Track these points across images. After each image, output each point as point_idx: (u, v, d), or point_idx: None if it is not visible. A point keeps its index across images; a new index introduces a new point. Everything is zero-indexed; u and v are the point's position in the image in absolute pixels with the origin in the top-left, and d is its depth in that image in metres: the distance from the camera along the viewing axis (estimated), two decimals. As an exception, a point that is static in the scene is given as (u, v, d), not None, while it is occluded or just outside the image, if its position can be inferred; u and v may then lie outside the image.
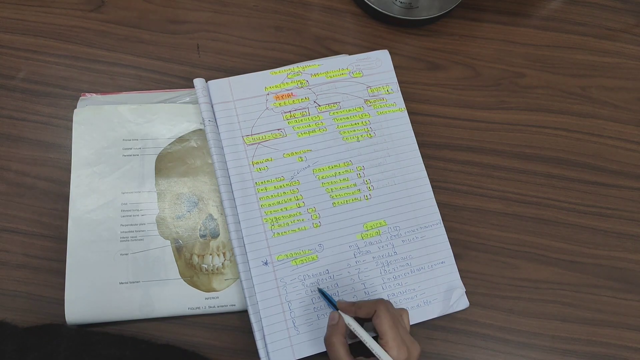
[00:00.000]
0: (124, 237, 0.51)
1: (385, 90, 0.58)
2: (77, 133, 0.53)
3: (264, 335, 0.48)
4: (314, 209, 0.53)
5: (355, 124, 0.56)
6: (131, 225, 0.51)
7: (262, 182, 0.52)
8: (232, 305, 0.50)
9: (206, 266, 0.51)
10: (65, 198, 0.52)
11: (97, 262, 0.50)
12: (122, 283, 0.50)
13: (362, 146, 0.56)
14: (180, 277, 0.50)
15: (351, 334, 0.44)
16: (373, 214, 0.53)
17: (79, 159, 0.53)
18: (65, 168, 0.53)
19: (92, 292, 0.49)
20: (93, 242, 0.50)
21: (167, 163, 0.54)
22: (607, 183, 0.58)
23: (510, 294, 0.54)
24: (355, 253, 0.52)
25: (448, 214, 0.55)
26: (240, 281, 0.49)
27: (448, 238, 0.54)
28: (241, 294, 0.50)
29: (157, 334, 0.49)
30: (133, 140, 0.54)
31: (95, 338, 0.42)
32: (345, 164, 0.55)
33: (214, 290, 0.51)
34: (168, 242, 0.51)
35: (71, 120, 0.54)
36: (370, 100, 0.58)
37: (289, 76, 0.57)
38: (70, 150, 0.53)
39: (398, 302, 0.51)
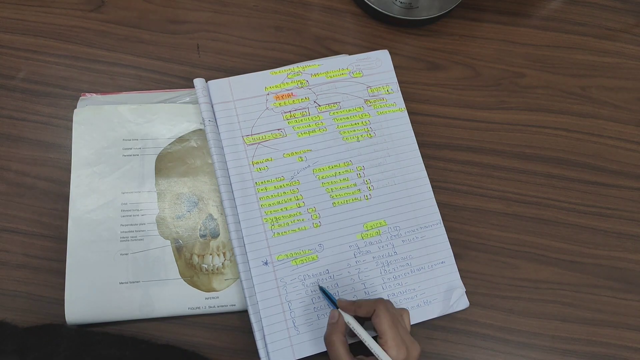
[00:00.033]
0: (124, 237, 0.51)
1: (385, 90, 0.58)
2: (77, 133, 0.53)
3: (264, 335, 0.48)
4: (314, 208, 0.53)
5: (355, 124, 0.56)
6: (131, 225, 0.51)
7: (262, 182, 0.52)
8: (232, 305, 0.50)
9: (206, 266, 0.51)
10: (65, 198, 0.52)
11: (97, 262, 0.50)
12: (122, 283, 0.50)
13: (362, 146, 0.56)
14: (180, 277, 0.50)
15: (351, 333, 0.44)
16: (373, 214, 0.53)
17: (79, 159, 0.53)
18: (65, 168, 0.53)
19: (92, 292, 0.49)
20: (93, 242, 0.50)
21: (167, 163, 0.54)
22: (607, 183, 0.58)
23: (510, 294, 0.54)
24: (356, 253, 0.52)
25: (448, 214, 0.55)
26: (240, 281, 0.49)
27: (448, 238, 0.54)
28: (241, 294, 0.50)
29: (157, 334, 0.49)
30: (133, 140, 0.54)
31: (95, 338, 0.42)
32: (345, 164, 0.55)
33: (214, 290, 0.50)
34: (168, 242, 0.51)
35: (71, 120, 0.54)
36: (370, 100, 0.58)
37: (289, 76, 0.57)
38: (70, 150, 0.53)
39: (398, 302, 0.51)
